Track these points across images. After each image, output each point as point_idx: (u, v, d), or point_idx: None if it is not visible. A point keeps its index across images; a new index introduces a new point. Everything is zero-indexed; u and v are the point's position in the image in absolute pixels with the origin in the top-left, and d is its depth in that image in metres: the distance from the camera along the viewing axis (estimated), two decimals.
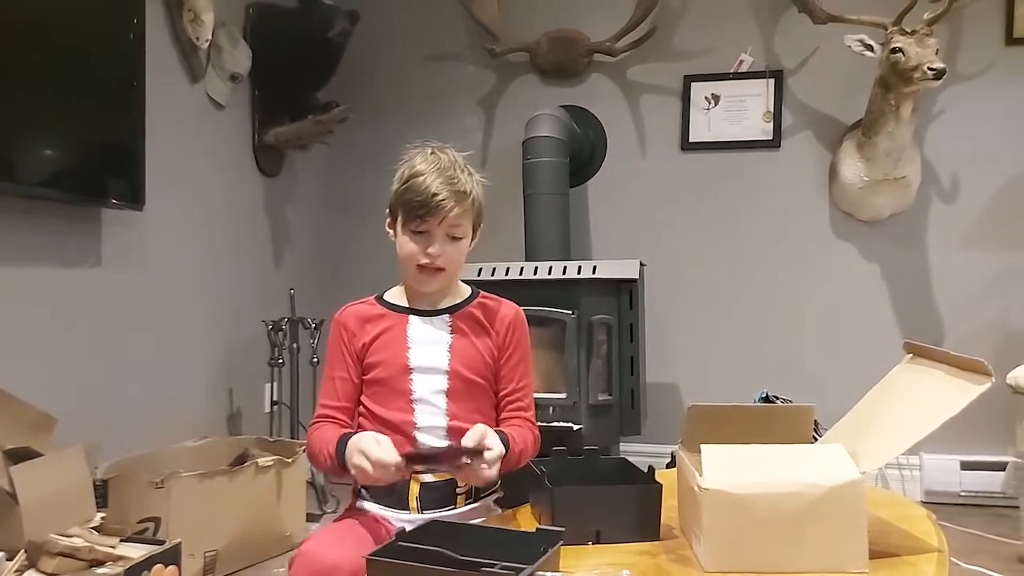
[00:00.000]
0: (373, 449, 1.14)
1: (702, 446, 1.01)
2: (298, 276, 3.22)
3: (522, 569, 0.83)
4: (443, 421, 1.29)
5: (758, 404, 2.26)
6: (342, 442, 1.22)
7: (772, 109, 3.13)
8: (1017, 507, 2.44)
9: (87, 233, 2.23)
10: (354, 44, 2.99)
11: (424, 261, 1.29)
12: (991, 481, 2.84)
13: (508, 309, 1.38)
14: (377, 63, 3.44)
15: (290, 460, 2.32)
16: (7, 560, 1.59)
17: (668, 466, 2.67)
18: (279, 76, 2.96)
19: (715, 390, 3.14)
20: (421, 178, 1.27)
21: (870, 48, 2.71)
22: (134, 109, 2.27)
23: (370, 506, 1.30)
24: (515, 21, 3.29)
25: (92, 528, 1.79)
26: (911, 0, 2.62)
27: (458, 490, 1.27)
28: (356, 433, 1.23)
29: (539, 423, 1.38)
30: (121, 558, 1.65)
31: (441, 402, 1.29)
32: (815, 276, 3.10)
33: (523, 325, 1.39)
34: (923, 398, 1.05)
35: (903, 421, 1.04)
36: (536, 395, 1.44)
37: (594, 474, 1.24)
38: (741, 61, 3.16)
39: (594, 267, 2.74)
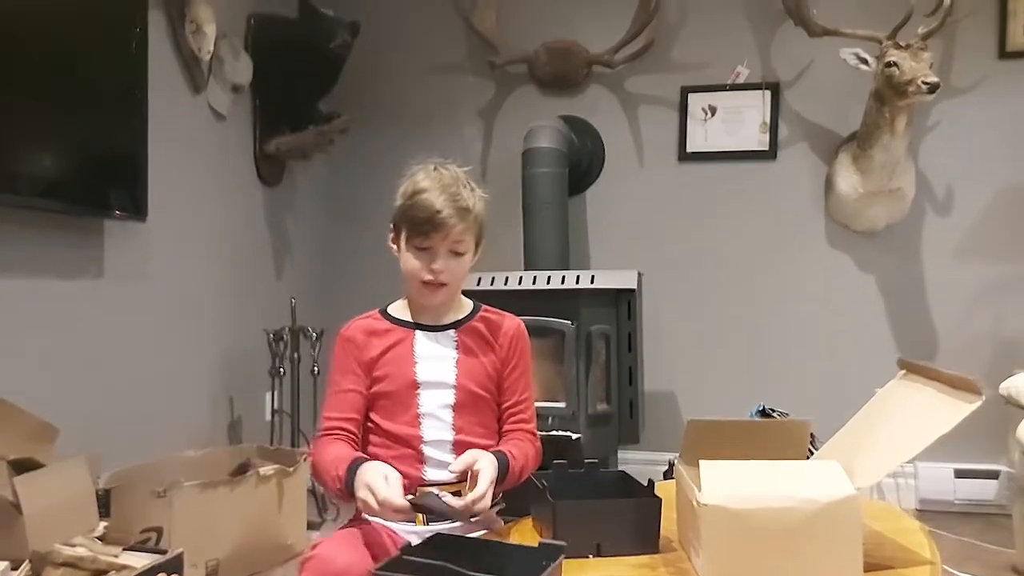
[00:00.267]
0: (380, 488, 1.12)
1: (701, 462, 1.03)
2: (299, 285, 3.24)
3: None
4: (449, 435, 1.31)
5: (755, 419, 2.28)
6: (352, 469, 1.20)
7: (768, 121, 3.17)
8: (1010, 515, 2.47)
9: (90, 244, 2.25)
10: (355, 55, 3.01)
11: (428, 277, 1.31)
12: (985, 489, 2.87)
13: (511, 323, 1.41)
14: (378, 74, 3.47)
15: (291, 469, 2.33)
16: (12, 570, 1.60)
17: (665, 474, 2.70)
18: (280, 87, 2.99)
19: (712, 398, 3.16)
20: (425, 195, 1.29)
21: (865, 62, 2.75)
22: (137, 120, 2.28)
23: (375, 518, 1.31)
24: (514, 33, 3.32)
25: (95, 538, 1.80)
26: (905, 15, 2.65)
27: None
28: (367, 461, 1.21)
29: (539, 432, 1.41)
30: (124, 567, 1.66)
31: (448, 416, 1.32)
32: (811, 286, 3.13)
33: (525, 338, 1.41)
34: (916, 415, 1.07)
35: (897, 438, 1.07)
36: (536, 404, 1.46)
37: (594, 487, 1.26)
38: (738, 73, 3.19)
39: (592, 277, 2.76)
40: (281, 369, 2.85)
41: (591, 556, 1.10)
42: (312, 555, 1.17)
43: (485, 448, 1.32)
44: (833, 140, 3.11)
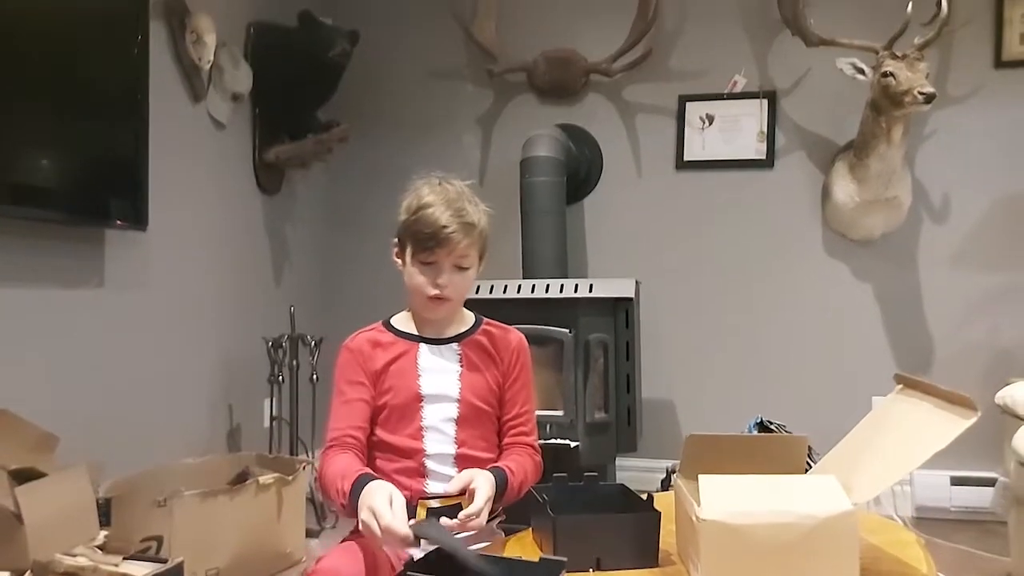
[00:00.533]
0: (385, 514, 1.09)
1: (699, 476, 1.05)
2: (298, 293, 3.25)
3: None
4: (452, 448, 1.32)
5: (754, 435, 2.30)
6: (357, 486, 1.18)
7: (765, 129, 3.18)
8: (1005, 523, 2.48)
9: (90, 254, 2.26)
10: (354, 64, 3.02)
11: (433, 292, 1.32)
12: (981, 497, 2.88)
13: (513, 337, 1.42)
14: (376, 83, 3.48)
15: (290, 478, 2.34)
16: None
17: (663, 482, 2.71)
18: (279, 95, 3.00)
19: (710, 406, 3.18)
20: (430, 210, 1.30)
21: (861, 71, 2.77)
22: (137, 130, 2.29)
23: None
24: (513, 41, 3.34)
25: (96, 547, 1.81)
26: (902, 25, 2.67)
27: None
28: (372, 480, 1.19)
29: (537, 441, 1.42)
30: None
31: (450, 430, 1.33)
32: (808, 294, 3.15)
33: (527, 352, 1.42)
34: (912, 431, 1.08)
35: (893, 453, 1.08)
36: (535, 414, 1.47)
37: (594, 500, 1.27)
38: (735, 82, 3.21)
39: (591, 286, 2.77)
40: (280, 377, 2.86)
41: (591, 570, 1.11)
42: (317, 568, 1.18)
43: (486, 461, 1.34)
44: (830, 149, 3.13)
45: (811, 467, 1.30)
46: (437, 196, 1.32)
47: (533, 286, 2.80)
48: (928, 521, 2.87)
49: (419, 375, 1.34)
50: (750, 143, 3.20)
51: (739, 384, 3.16)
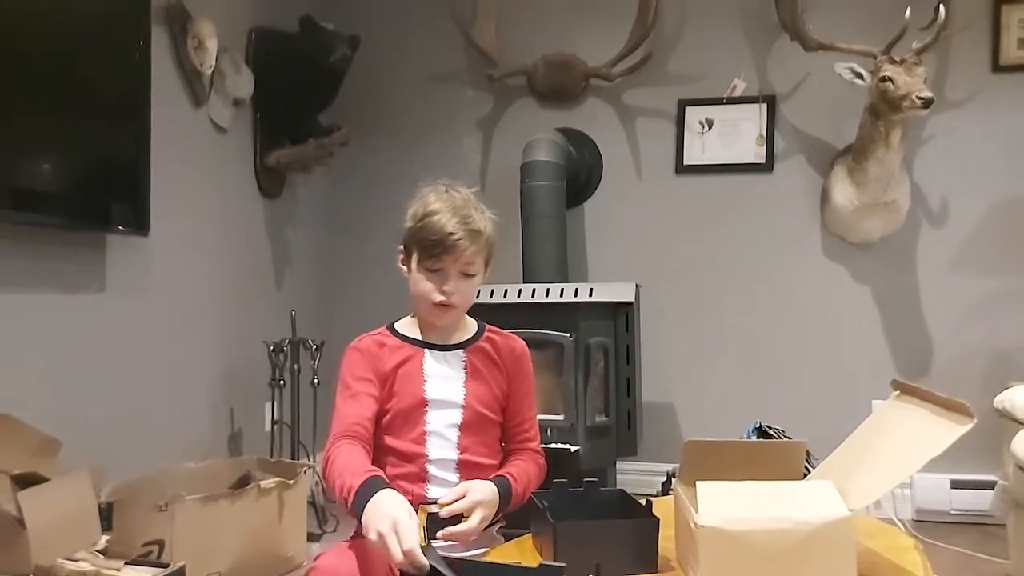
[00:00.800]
0: (407, 539, 1.03)
1: (698, 483, 1.05)
2: (299, 297, 3.26)
3: None
4: (454, 454, 1.33)
5: (752, 440, 2.31)
6: (365, 489, 1.14)
7: (765, 133, 3.20)
8: (1005, 526, 2.49)
9: (92, 259, 2.26)
10: (354, 68, 3.03)
11: (439, 299, 1.33)
12: (981, 500, 2.89)
13: (515, 344, 1.44)
14: (377, 87, 3.49)
15: (291, 482, 2.34)
16: None
17: (664, 485, 2.72)
18: (281, 100, 3.01)
19: (710, 409, 3.19)
20: (437, 217, 1.30)
21: (860, 76, 2.78)
22: (139, 135, 2.30)
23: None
24: (513, 46, 3.35)
25: (97, 552, 1.82)
26: (900, 30, 2.69)
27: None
28: (382, 487, 1.14)
29: None
30: None
31: (453, 435, 1.34)
32: (807, 297, 3.16)
33: (529, 358, 1.44)
34: (909, 437, 1.09)
35: (890, 459, 1.09)
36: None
37: (594, 506, 1.28)
38: (734, 86, 3.22)
39: (591, 290, 2.78)
40: (281, 381, 2.86)
41: None
42: (316, 567, 1.19)
43: (488, 468, 1.35)
44: (829, 153, 3.14)
45: (809, 472, 1.31)
46: (444, 203, 1.32)
47: (533, 290, 2.81)
48: (928, 524, 2.88)
49: (424, 380, 1.35)
50: (749, 147, 3.21)
51: (739, 387, 3.17)
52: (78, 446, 1.93)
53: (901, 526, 2.73)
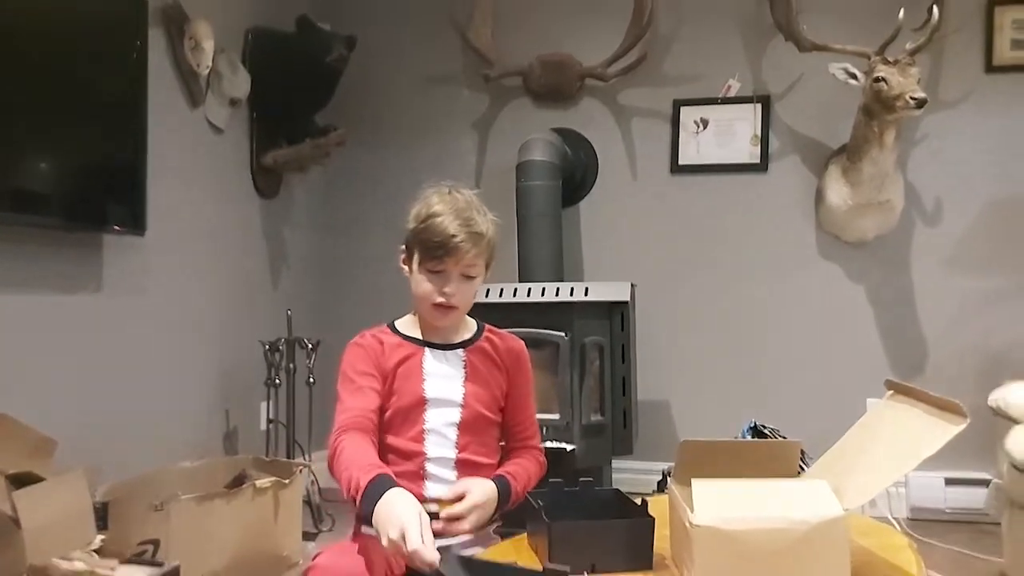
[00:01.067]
0: (414, 540, 1.03)
1: (692, 482, 1.06)
2: (295, 297, 3.26)
3: None
4: (452, 453, 1.33)
5: (747, 440, 2.32)
6: (374, 486, 1.14)
7: (759, 133, 3.21)
8: (999, 524, 2.50)
9: (89, 259, 2.27)
10: (351, 68, 3.04)
11: (440, 300, 1.33)
12: (975, 498, 2.90)
13: (514, 344, 1.44)
14: (373, 87, 3.49)
15: (287, 481, 2.34)
16: None
17: (659, 484, 2.72)
18: (277, 100, 3.01)
19: (705, 407, 3.20)
20: (439, 219, 1.31)
21: (854, 77, 2.79)
22: (136, 135, 2.30)
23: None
24: (508, 46, 3.35)
25: (92, 551, 1.81)
26: (894, 31, 2.70)
27: None
28: (391, 487, 1.15)
29: None
30: None
31: (452, 434, 1.34)
32: (802, 296, 3.17)
33: (528, 358, 1.45)
34: (903, 437, 1.10)
35: (884, 459, 1.10)
36: None
37: (589, 505, 1.28)
38: (729, 86, 3.23)
39: (586, 289, 2.78)
40: (277, 380, 2.86)
41: (586, 574, 1.13)
42: (315, 565, 1.20)
43: (486, 467, 1.36)
44: (823, 153, 3.15)
45: (804, 471, 1.31)
46: (446, 205, 1.33)
47: (529, 289, 2.82)
48: (922, 522, 2.89)
49: (424, 379, 1.36)
50: (744, 147, 3.22)
51: (734, 385, 3.18)
52: (74, 446, 1.93)
53: (896, 524, 2.74)
